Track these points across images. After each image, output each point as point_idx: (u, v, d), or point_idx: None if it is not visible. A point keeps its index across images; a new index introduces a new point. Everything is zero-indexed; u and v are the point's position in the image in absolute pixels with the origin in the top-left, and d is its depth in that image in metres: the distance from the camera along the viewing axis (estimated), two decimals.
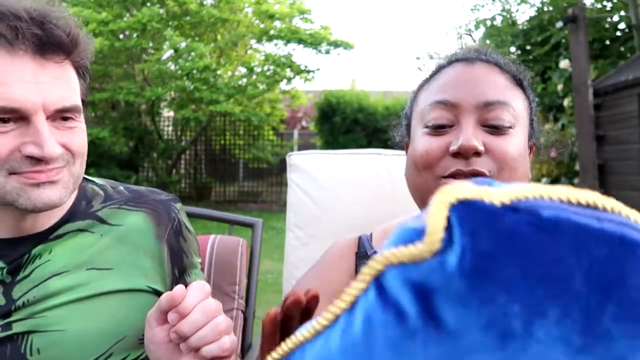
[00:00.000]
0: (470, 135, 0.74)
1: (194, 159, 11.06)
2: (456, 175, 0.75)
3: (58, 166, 0.76)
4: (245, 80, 9.70)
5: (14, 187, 0.74)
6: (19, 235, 0.82)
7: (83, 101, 0.82)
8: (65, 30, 0.75)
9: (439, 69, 0.85)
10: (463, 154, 0.75)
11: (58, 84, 0.75)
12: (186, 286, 0.92)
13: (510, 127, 0.77)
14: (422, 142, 0.79)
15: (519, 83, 0.82)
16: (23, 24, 0.70)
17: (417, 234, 0.26)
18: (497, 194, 0.24)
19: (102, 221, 0.87)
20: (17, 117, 0.72)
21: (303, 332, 0.34)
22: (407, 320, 0.26)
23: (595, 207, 0.25)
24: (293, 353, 0.34)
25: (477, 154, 0.75)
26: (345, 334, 0.29)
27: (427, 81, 0.86)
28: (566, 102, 6.13)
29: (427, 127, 0.80)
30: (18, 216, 0.80)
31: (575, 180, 5.75)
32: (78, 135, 0.80)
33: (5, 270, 0.79)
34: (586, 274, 0.23)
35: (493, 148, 0.75)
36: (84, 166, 0.83)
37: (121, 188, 0.95)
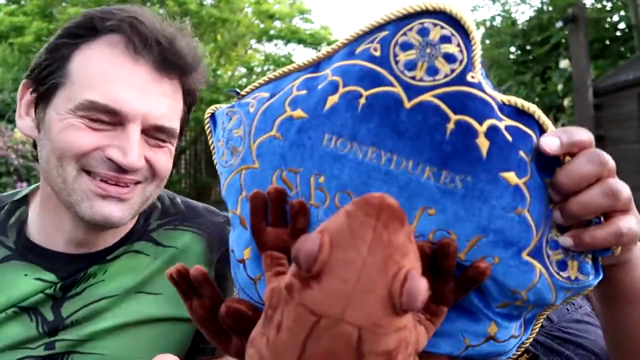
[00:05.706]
0: None
1: (194, 159, 11.06)
2: None
3: (134, 180, 0.74)
4: (245, 80, 9.71)
5: (81, 188, 0.72)
6: (76, 252, 0.80)
7: (181, 128, 0.81)
8: (188, 55, 0.77)
9: None
10: None
11: (165, 102, 0.75)
12: None
13: None
14: None
15: None
16: (153, 36, 0.72)
17: None
18: None
19: (157, 243, 0.86)
20: (114, 120, 0.71)
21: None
22: None
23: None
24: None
25: None
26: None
27: None
28: (566, 102, 6.12)
29: None
30: (81, 227, 0.78)
31: None
32: (165, 155, 0.78)
33: (58, 286, 0.77)
34: None
35: None
36: (159, 191, 0.81)
37: (178, 200, 0.93)
